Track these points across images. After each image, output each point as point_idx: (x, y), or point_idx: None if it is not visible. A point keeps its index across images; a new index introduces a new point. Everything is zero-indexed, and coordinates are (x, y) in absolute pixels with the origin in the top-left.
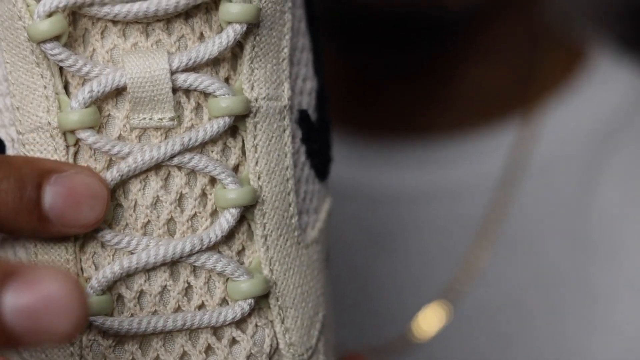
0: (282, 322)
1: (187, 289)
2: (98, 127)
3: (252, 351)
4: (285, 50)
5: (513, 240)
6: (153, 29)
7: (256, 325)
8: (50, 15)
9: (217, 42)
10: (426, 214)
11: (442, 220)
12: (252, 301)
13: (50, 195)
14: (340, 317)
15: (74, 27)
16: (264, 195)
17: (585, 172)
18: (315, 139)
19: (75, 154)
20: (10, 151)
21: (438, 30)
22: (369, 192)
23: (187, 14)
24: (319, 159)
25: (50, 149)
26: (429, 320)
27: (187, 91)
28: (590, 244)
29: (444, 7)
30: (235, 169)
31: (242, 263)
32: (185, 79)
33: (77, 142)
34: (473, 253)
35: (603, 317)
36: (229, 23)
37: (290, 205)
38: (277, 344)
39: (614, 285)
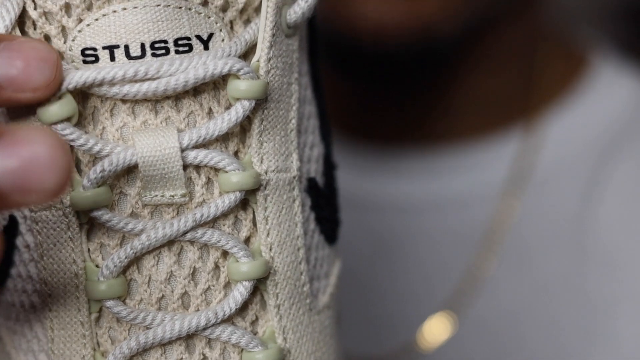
0: None
1: None
2: (110, 205)
3: None
4: (293, 121)
5: (517, 250)
6: (162, 106)
7: None
8: (60, 97)
9: (226, 119)
10: (430, 223)
11: (446, 230)
12: None
13: None
14: (345, 325)
15: (83, 105)
16: (275, 266)
17: (588, 181)
18: (324, 205)
19: (89, 230)
20: (22, 227)
21: (436, 53)
22: (374, 202)
23: (195, 90)
24: (328, 224)
25: (63, 227)
26: (434, 331)
27: (198, 167)
28: (594, 254)
29: (438, 40)
30: (247, 240)
31: (256, 333)
32: (196, 156)
33: (91, 219)
34: (477, 263)
35: (605, 328)
36: (237, 99)
37: (302, 274)
38: None
39: (616, 296)
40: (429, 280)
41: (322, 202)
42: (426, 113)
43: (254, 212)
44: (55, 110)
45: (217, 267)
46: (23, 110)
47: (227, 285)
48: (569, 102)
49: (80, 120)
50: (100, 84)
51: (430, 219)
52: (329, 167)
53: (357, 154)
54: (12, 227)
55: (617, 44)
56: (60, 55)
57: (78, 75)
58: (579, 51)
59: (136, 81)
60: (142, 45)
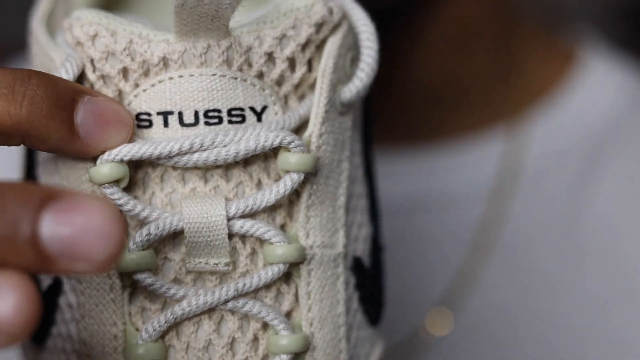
0: None
1: None
2: (155, 269)
3: None
4: (342, 198)
5: (509, 248)
6: (212, 175)
7: None
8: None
9: (274, 191)
10: (420, 224)
11: (436, 230)
12: None
13: (83, 112)
14: None
15: (135, 170)
16: (315, 342)
17: (578, 178)
18: (369, 286)
19: (131, 293)
20: (66, 287)
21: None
22: None
23: (245, 161)
24: (371, 305)
25: (106, 288)
26: (428, 329)
27: (243, 237)
28: (586, 250)
29: None
30: (288, 314)
31: None
32: (242, 226)
33: (134, 282)
34: (469, 262)
35: (599, 324)
36: (287, 172)
37: (341, 352)
38: None
39: (609, 291)
40: (421, 281)
41: (368, 283)
42: (408, 112)
43: (296, 286)
44: (106, 171)
45: (256, 338)
46: (74, 160)
47: (265, 357)
48: (557, 99)
49: (131, 185)
50: (157, 157)
51: (420, 219)
52: (376, 248)
53: None
54: (55, 286)
55: (609, 38)
56: None
57: (136, 149)
58: (568, 48)
59: (187, 152)
60: (196, 113)
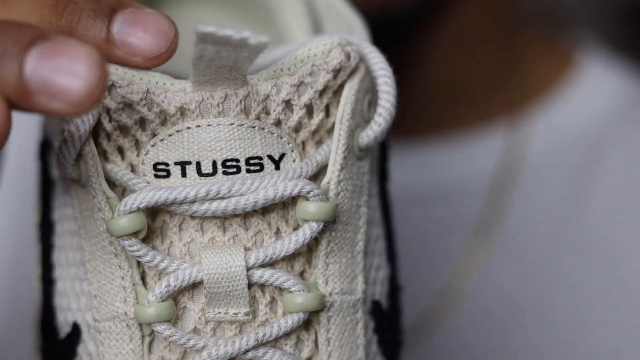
0: None
1: None
2: (174, 319)
3: None
4: (360, 243)
5: (509, 241)
6: (230, 224)
7: None
8: (130, 212)
9: (293, 240)
10: (422, 217)
11: (437, 223)
12: None
13: (121, 20)
14: None
15: (152, 219)
16: None
17: (577, 174)
18: (387, 328)
19: (150, 343)
20: (85, 335)
21: (399, 29)
22: None
23: (264, 209)
24: (390, 347)
25: (126, 338)
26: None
27: (263, 286)
28: (585, 244)
29: (394, 12)
30: None
31: None
32: (262, 275)
33: (153, 332)
34: (469, 255)
35: (598, 316)
36: (306, 221)
37: None
38: None
39: (609, 284)
40: (422, 273)
41: (386, 325)
42: (407, 104)
43: (316, 332)
44: (125, 224)
45: None
46: (91, 210)
47: None
48: (556, 98)
49: (149, 234)
50: (171, 203)
51: (421, 212)
52: (394, 288)
53: None
54: (74, 334)
55: (609, 40)
56: (132, 168)
57: (150, 195)
58: (567, 51)
59: (205, 200)
60: (214, 163)
